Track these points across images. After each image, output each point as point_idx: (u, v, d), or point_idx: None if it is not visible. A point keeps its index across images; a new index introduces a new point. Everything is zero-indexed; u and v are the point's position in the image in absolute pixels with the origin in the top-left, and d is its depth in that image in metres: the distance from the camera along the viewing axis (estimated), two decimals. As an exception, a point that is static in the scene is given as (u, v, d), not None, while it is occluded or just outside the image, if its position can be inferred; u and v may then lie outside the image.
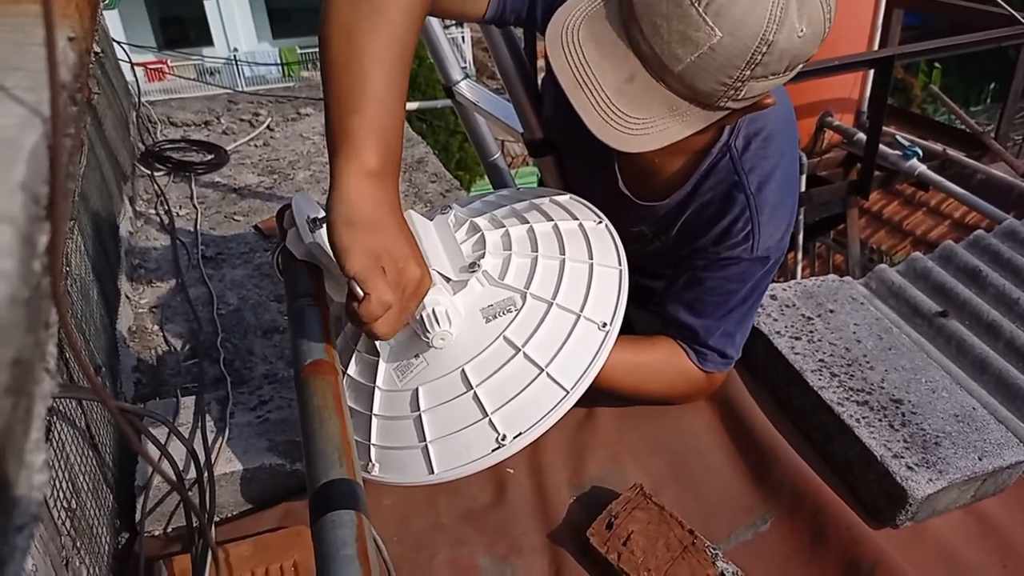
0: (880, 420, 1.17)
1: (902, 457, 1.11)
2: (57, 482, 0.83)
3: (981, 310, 1.74)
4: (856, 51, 4.19)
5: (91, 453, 1.02)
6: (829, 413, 1.19)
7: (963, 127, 4.86)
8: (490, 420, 0.95)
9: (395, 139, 0.89)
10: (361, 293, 0.82)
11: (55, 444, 0.85)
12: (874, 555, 1.04)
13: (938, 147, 4.37)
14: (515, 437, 0.94)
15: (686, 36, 0.82)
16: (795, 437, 1.24)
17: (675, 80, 0.86)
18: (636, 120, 0.89)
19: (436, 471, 0.97)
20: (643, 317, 1.38)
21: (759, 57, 0.82)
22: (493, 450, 0.95)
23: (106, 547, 1.00)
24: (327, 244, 0.97)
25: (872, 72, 4.17)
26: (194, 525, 1.01)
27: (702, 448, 1.24)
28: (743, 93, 0.87)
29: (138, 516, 1.05)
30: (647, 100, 0.88)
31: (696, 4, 0.80)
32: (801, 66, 0.89)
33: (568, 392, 0.96)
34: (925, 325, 1.75)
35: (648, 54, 0.85)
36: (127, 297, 2.06)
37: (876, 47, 4.43)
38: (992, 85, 16.91)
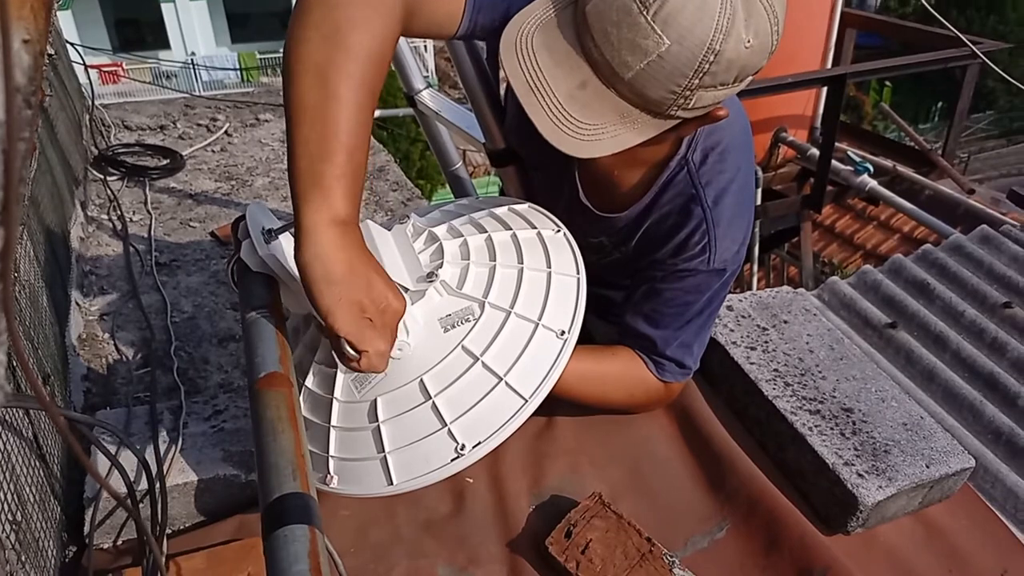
0: (832, 428, 1.20)
1: (853, 465, 1.14)
2: (2, 494, 0.80)
3: (929, 322, 1.79)
4: (810, 69, 4.29)
5: (38, 464, 1.00)
6: (783, 422, 1.22)
7: (912, 144, 5.00)
8: (449, 430, 0.95)
9: (362, 182, 0.89)
10: (354, 353, 0.85)
11: (1, 455, 0.83)
12: (826, 561, 1.06)
13: (888, 163, 4.50)
14: (474, 446, 0.94)
15: (635, 44, 0.83)
16: (750, 445, 1.26)
17: (626, 87, 0.87)
18: (587, 126, 0.90)
19: (395, 482, 0.96)
20: (603, 327, 1.39)
21: (707, 66, 0.84)
22: (452, 460, 0.94)
23: (53, 561, 0.97)
24: (282, 255, 0.96)
25: (825, 90, 4.27)
26: (144, 538, 0.98)
27: (660, 457, 1.25)
28: (693, 102, 0.88)
29: (87, 528, 1.02)
30: (598, 107, 0.89)
31: (644, 12, 0.82)
32: (751, 78, 0.91)
33: (527, 401, 0.96)
34: (875, 336, 1.79)
35: (599, 61, 0.87)
36: (77, 304, 2.01)
37: (829, 65, 4.54)
38: (940, 104, 17.49)
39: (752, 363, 1.32)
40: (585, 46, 0.87)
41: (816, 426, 1.20)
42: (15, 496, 0.85)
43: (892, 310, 1.85)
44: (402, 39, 2.02)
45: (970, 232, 2.12)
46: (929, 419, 1.24)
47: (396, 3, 0.92)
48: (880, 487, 1.11)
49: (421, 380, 0.97)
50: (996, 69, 4.32)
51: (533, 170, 1.40)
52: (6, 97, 0.30)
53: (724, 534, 1.14)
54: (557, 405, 1.15)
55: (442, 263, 1.02)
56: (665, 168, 1.11)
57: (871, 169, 4.29)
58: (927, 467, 1.15)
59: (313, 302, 0.85)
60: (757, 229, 4.48)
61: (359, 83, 0.87)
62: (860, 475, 1.12)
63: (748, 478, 1.19)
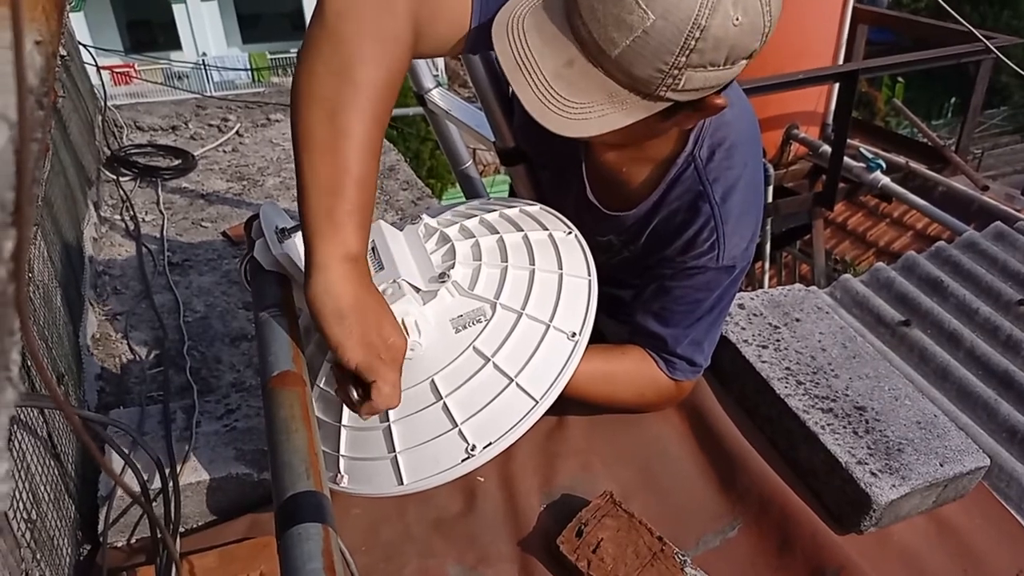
0: (844, 427, 1.19)
1: (866, 463, 1.13)
2: (17, 493, 0.81)
3: (942, 319, 1.78)
4: (822, 65, 4.27)
5: (53, 463, 1.01)
6: (795, 420, 1.21)
7: (925, 140, 4.96)
8: (460, 430, 0.95)
9: (371, 215, 0.90)
10: (357, 397, 0.88)
11: (16, 454, 0.84)
12: (839, 561, 1.06)
13: (901, 160, 4.46)
14: (485, 447, 0.94)
15: (621, 19, 0.83)
16: (762, 444, 1.26)
17: (613, 65, 0.87)
18: (574, 104, 0.89)
19: (405, 482, 0.96)
20: (613, 326, 1.39)
21: (693, 43, 0.83)
22: (463, 460, 0.94)
23: (67, 559, 0.98)
24: (295, 254, 0.96)
25: (837, 86, 4.24)
26: (158, 536, 0.99)
27: (671, 455, 1.25)
28: (683, 83, 0.87)
29: (101, 527, 1.03)
30: (585, 85, 0.89)
31: None
32: (744, 62, 0.89)
33: (538, 402, 0.96)
34: (888, 334, 1.78)
35: (587, 39, 0.87)
36: (91, 304, 2.02)
37: (841, 62, 4.51)
38: (953, 99, 17.37)
39: (764, 361, 1.31)
40: (574, 25, 0.88)
41: (828, 424, 1.20)
42: (30, 495, 0.86)
43: (905, 308, 1.84)
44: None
45: (984, 229, 2.10)
46: (943, 417, 1.23)
47: (403, 31, 0.91)
48: (894, 486, 1.10)
49: (432, 380, 0.97)
50: (1010, 64, 4.28)
51: (542, 169, 1.40)
52: (19, 98, 0.30)
53: (736, 533, 1.13)
54: (568, 404, 1.15)
55: (454, 264, 1.02)
56: (672, 165, 1.10)
57: (884, 166, 4.26)
58: (941, 466, 1.14)
59: (323, 335, 0.86)
60: (769, 226, 4.46)
61: (369, 117, 0.88)
62: (873, 474, 1.12)
63: (760, 477, 1.18)
